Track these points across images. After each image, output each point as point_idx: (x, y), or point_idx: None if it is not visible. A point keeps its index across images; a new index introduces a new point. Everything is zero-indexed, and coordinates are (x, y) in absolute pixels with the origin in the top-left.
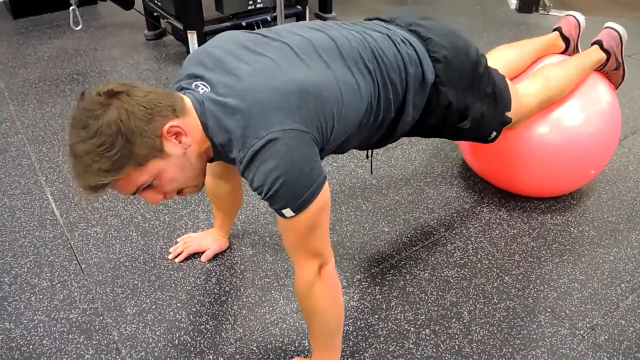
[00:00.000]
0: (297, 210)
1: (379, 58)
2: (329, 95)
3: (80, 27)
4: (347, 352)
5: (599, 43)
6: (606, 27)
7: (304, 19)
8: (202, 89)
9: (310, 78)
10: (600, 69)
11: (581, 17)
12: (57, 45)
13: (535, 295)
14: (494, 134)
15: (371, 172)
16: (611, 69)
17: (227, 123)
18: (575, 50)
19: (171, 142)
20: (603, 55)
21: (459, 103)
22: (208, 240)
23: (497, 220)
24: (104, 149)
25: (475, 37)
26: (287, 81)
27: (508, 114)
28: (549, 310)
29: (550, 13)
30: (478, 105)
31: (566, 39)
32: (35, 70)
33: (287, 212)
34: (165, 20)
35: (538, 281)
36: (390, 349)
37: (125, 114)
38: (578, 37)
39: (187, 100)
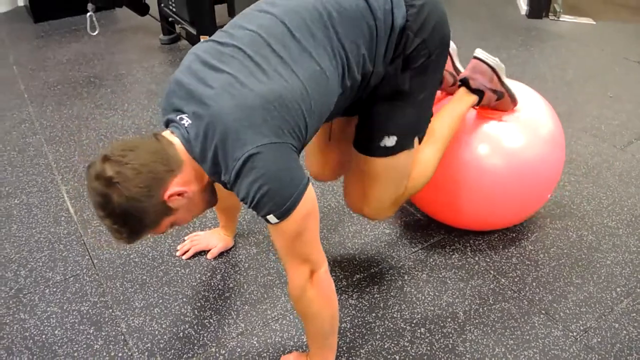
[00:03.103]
0: (281, 217)
1: (336, 16)
2: (292, 97)
3: (97, 32)
4: (344, 348)
5: (465, 83)
6: (474, 58)
7: None
8: (185, 121)
9: (269, 87)
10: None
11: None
12: (76, 49)
13: (530, 297)
14: (396, 140)
15: (329, 139)
16: (492, 102)
17: (209, 156)
18: (457, 74)
19: (175, 200)
20: (474, 97)
21: (419, 57)
22: (214, 239)
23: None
24: (118, 226)
25: (483, 41)
26: (248, 97)
27: (416, 140)
28: (543, 312)
29: (561, 19)
30: (425, 84)
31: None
32: (54, 73)
33: (272, 218)
34: (179, 25)
35: (534, 284)
36: (385, 346)
37: (125, 200)
38: (452, 62)
39: (177, 143)
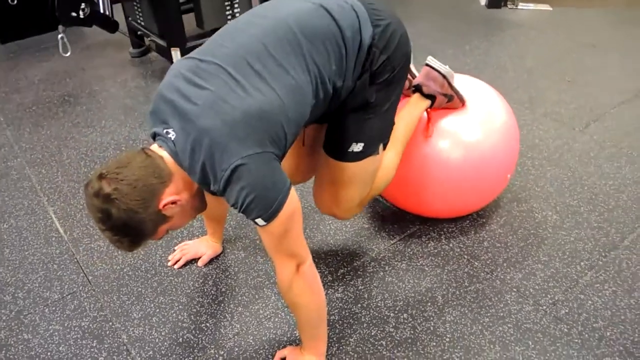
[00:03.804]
0: (268, 219)
1: (309, 35)
2: (271, 110)
3: (69, 53)
4: (334, 338)
5: (419, 89)
6: (427, 66)
7: None
8: (171, 135)
9: (250, 103)
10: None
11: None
12: (47, 68)
13: (502, 277)
14: (363, 146)
15: (303, 144)
16: (443, 104)
17: (198, 168)
18: (412, 78)
19: (169, 209)
20: (427, 102)
21: (384, 72)
22: (203, 247)
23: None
24: (120, 237)
25: (447, 34)
26: (231, 113)
27: (381, 147)
28: (514, 290)
29: (519, 7)
30: (390, 96)
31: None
32: (28, 94)
33: (260, 221)
34: (149, 38)
35: (505, 264)
36: (372, 334)
37: (124, 213)
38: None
39: (166, 156)
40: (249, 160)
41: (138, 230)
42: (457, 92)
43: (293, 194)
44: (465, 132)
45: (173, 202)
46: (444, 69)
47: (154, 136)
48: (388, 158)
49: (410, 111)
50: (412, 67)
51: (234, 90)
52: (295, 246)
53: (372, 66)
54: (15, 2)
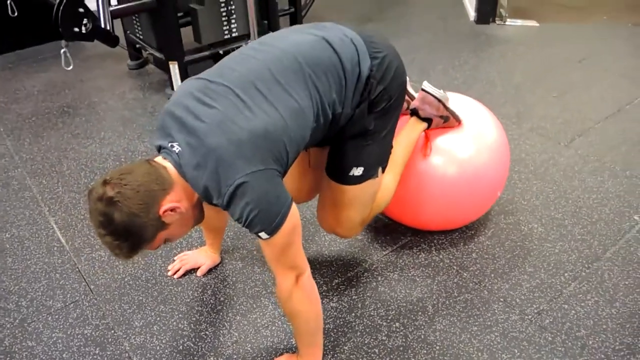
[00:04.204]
0: (271, 232)
1: (312, 65)
2: (275, 131)
3: (71, 67)
4: (329, 346)
5: (415, 113)
6: (422, 91)
7: None
8: (176, 148)
9: (256, 122)
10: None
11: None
12: (45, 79)
13: (489, 287)
14: (363, 170)
15: (309, 165)
16: (439, 125)
17: (202, 181)
18: (411, 100)
19: (169, 216)
20: (424, 124)
21: (381, 101)
22: (202, 257)
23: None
24: (119, 242)
25: (438, 50)
26: (237, 132)
27: (380, 170)
28: (501, 300)
29: (507, 23)
30: (386, 124)
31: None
32: (27, 104)
33: (263, 235)
34: (147, 51)
35: (492, 275)
36: (366, 342)
37: (127, 216)
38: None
39: (169, 166)
40: (253, 177)
41: (138, 235)
42: (452, 113)
43: (294, 209)
44: (459, 150)
45: (172, 209)
46: (439, 93)
47: (159, 149)
48: (387, 179)
49: (407, 134)
50: (409, 88)
51: (241, 111)
52: (295, 258)
53: (370, 95)
54: (16, 14)
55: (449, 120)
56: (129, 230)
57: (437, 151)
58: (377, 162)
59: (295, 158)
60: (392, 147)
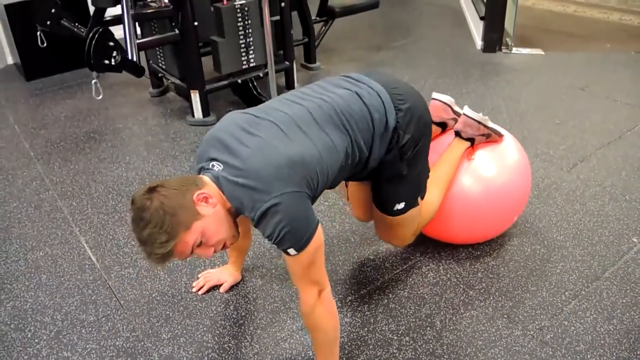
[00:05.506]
0: (299, 249)
1: (347, 114)
2: (311, 160)
3: (101, 96)
4: (343, 358)
5: (457, 134)
6: (464, 115)
7: (292, 72)
8: (216, 167)
9: (294, 150)
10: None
11: (444, 98)
12: (71, 106)
13: (494, 304)
14: (404, 204)
15: (347, 199)
16: (482, 142)
17: (238, 195)
18: (458, 117)
19: (202, 205)
20: (467, 143)
21: (410, 148)
22: (225, 275)
23: (464, 244)
24: (158, 227)
25: (446, 78)
26: (277, 156)
27: (419, 199)
28: (505, 316)
29: (513, 51)
30: (418, 163)
31: (442, 124)
32: (55, 130)
33: (292, 251)
34: (169, 80)
35: (497, 293)
36: (377, 354)
37: (164, 198)
38: (453, 111)
39: (206, 178)
40: (287, 197)
41: (174, 218)
42: (493, 130)
43: (320, 230)
44: (490, 173)
45: (205, 199)
46: (478, 116)
47: (199, 171)
48: (434, 194)
49: (451, 153)
50: (456, 108)
51: (281, 140)
52: (318, 275)
53: (398, 143)
54: (45, 44)
55: (490, 136)
56: (165, 212)
57: (466, 172)
58: (416, 195)
59: (324, 188)
60: (428, 173)
